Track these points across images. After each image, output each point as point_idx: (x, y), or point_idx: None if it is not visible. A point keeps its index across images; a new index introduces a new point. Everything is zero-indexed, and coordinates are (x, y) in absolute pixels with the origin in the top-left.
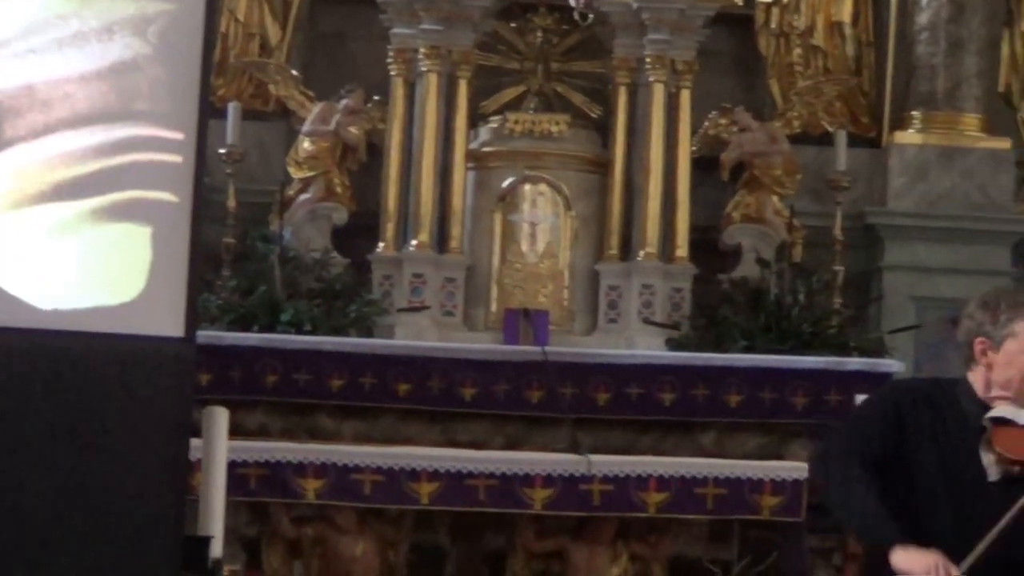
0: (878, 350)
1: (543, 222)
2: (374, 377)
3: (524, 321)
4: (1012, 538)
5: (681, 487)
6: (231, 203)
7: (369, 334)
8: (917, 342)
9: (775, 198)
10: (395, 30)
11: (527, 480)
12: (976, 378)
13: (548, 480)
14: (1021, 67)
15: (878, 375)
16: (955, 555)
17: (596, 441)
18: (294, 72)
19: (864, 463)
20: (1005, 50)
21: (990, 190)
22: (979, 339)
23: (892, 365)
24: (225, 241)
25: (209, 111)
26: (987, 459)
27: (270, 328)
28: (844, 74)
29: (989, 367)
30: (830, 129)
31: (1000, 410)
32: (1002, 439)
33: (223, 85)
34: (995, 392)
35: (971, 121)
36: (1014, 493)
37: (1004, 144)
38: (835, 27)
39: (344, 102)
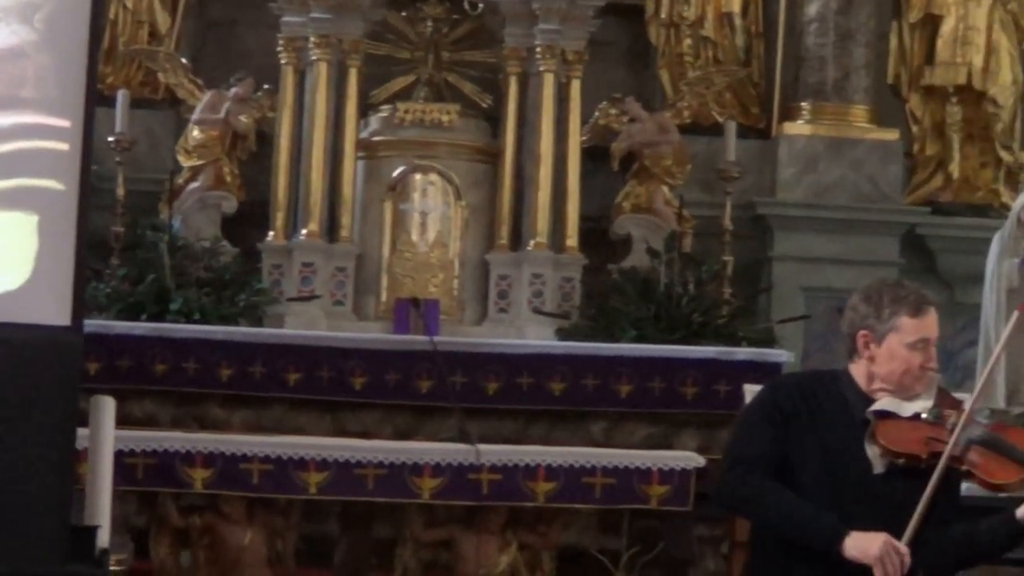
0: (767, 340)
1: (433, 212)
2: (264, 367)
3: (414, 311)
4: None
5: (570, 476)
6: (120, 191)
7: (259, 323)
8: (806, 332)
9: (665, 188)
10: (285, 19)
11: (416, 469)
12: (858, 370)
13: (437, 469)
14: (909, 59)
15: (767, 365)
16: (840, 555)
17: (486, 430)
18: (184, 60)
19: (762, 470)
20: (893, 42)
21: (878, 181)
22: (862, 332)
23: (781, 355)
24: (114, 230)
25: (97, 99)
26: (872, 452)
27: (159, 317)
28: (734, 65)
29: (872, 360)
30: (720, 119)
31: (883, 403)
32: (886, 432)
33: (112, 73)
34: (877, 385)
35: (860, 112)
36: (898, 486)
37: (892, 135)
38: (725, 18)
39: (234, 90)
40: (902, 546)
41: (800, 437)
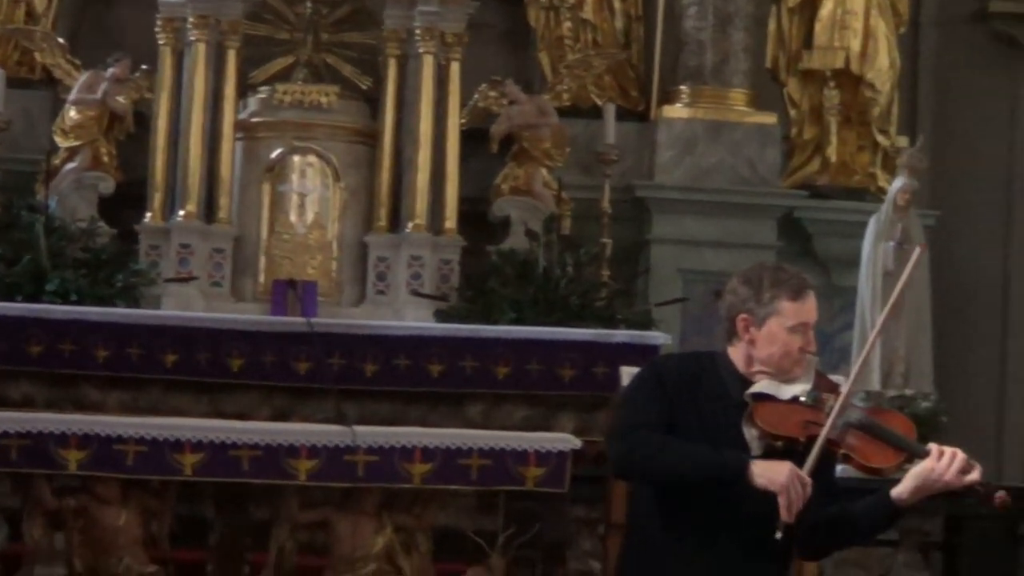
0: (645, 322)
1: (312, 193)
2: (141, 348)
3: (292, 292)
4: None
5: (446, 458)
6: None
7: (136, 305)
8: (684, 315)
9: (544, 171)
10: None
11: (292, 451)
12: (737, 353)
13: (313, 451)
14: (787, 43)
15: (645, 347)
16: (721, 530)
17: (364, 412)
18: (60, 40)
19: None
20: (772, 25)
21: (757, 164)
22: (742, 315)
23: (659, 338)
24: None
25: None
26: (749, 434)
27: (35, 298)
28: (613, 48)
29: (751, 343)
30: (599, 102)
31: (761, 385)
32: (764, 414)
33: None
34: (756, 367)
35: (738, 96)
36: None
37: (771, 119)
38: (604, 1)
39: (111, 71)
40: (806, 476)
41: (679, 416)
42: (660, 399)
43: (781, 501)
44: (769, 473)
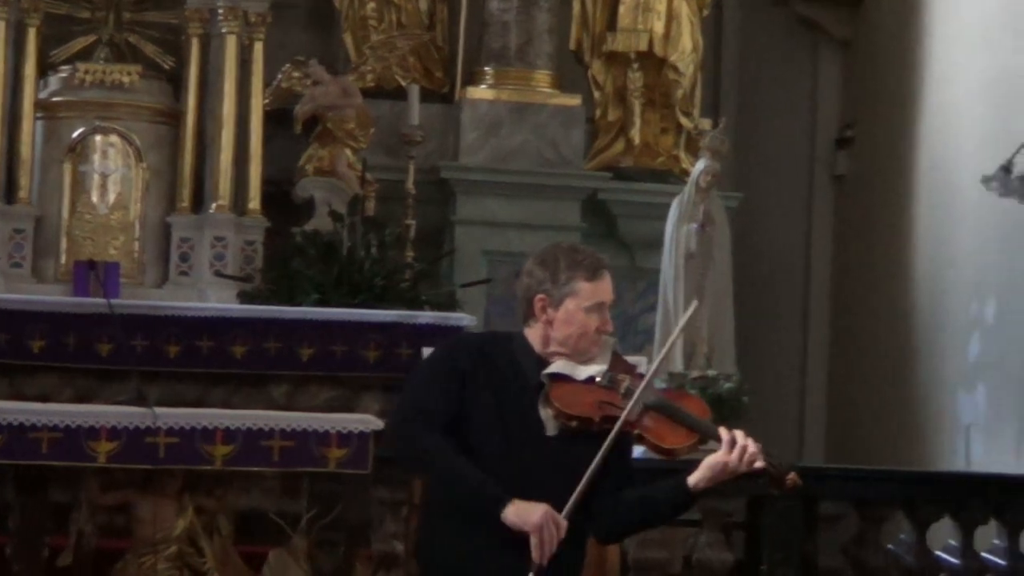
0: (449, 304)
1: (114, 173)
2: None
3: (93, 273)
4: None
5: (247, 440)
6: None
7: None
8: (488, 296)
9: (348, 152)
10: None
11: (92, 433)
12: (534, 334)
13: (113, 433)
14: (592, 25)
15: (449, 328)
16: None
17: (167, 394)
18: None
19: (441, 424)
20: (576, 7)
21: (561, 146)
22: (539, 296)
23: (463, 319)
24: None
25: None
26: (545, 414)
27: None
28: (417, 29)
29: (548, 324)
30: (404, 83)
31: (558, 366)
32: (560, 395)
33: None
34: (553, 348)
35: (542, 78)
36: (571, 448)
37: (575, 101)
38: None
39: None
40: (561, 519)
41: (475, 396)
42: (452, 380)
43: (534, 542)
44: (523, 514)
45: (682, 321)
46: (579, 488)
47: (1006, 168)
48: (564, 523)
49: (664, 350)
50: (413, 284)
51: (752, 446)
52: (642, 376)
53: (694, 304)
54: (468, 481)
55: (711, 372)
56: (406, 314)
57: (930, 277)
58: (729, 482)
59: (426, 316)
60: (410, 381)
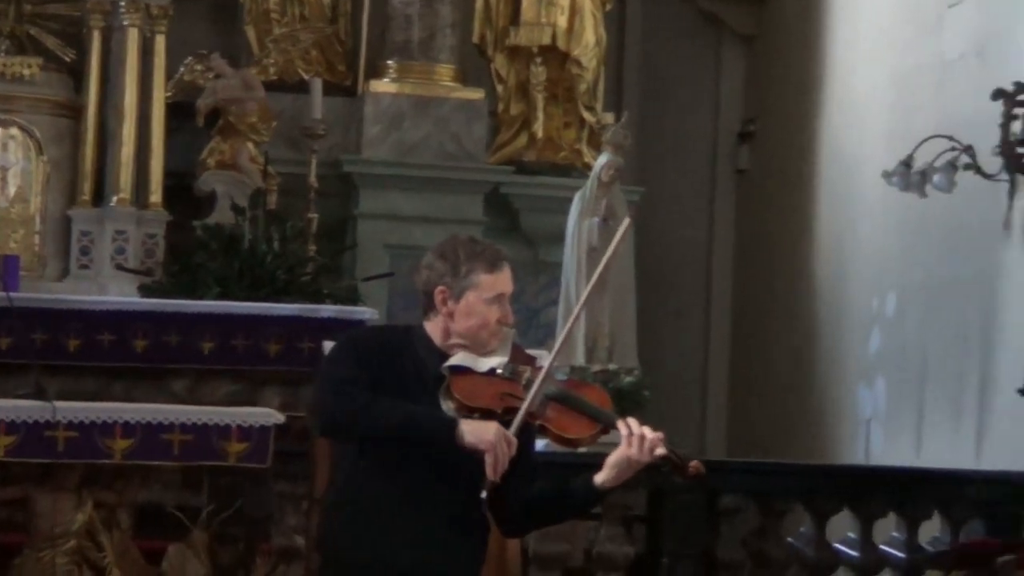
0: (351, 298)
1: (14, 166)
2: None
3: None
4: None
5: (147, 434)
6: None
7: None
8: (390, 290)
9: (250, 145)
10: None
11: None
12: (435, 327)
13: (11, 427)
14: (495, 19)
15: (351, 322)
16: (422, 502)
17: (67, 388)
18: None
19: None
20: (479, 2)
21: (463, 140)
22: (440, 288)
23: (365, 312)
24: None
25: None
26: (446, 407)
27: None
28: (320, 22)
29: (449, 316)
30: (306, 77)
31: (458, 358)
32: (461, 387)
33: None
34: (454, 340)
35: (445, 71)
36: None
37: (478, 95)
38: None
39: None
40: (511, 436)
41: (378, 388)
42: (360, 367)
43: (488, 459)
44: (478, 432)
45: (586, 291)
46: (488, 481)
47: (906, 163)
48: (515, 440)
49: (560, 340)
50: (315, 278)
51: (651, 434)
52: (543, 368)
53: (596, 275)
54: (417, 417)
55: (612, 366)
56: (308, 308)
57: (831, 271)
58: (634, 474)
59: (328, 310)
60: (322, 372)
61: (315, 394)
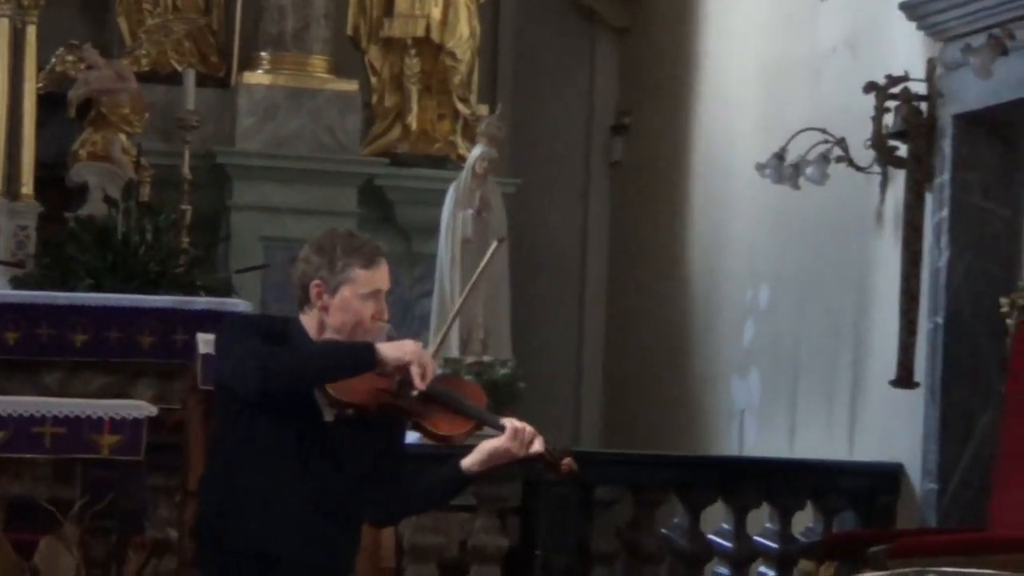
0: (225, 290)
1: None
2: None
3: None
4: None
5: (18, 427)
6: None
7: None
8: (264, 282)
9: (123, 136)
10: None
11: None
12: (310, 321)
13: None
14: (369, 10)
15: (224, 314)
16: (300, 489)
17: None
18: None
19: None
20: None
21: (337, 132)
22: (315, 282)
23: (239, 305)
24: None
25: None
26: (322, 401)
27: None
28: (193, 13)
29: (324, 310)
30: (179, 68)
31: None
32: (336, 383)
33: None
34: (329, 335)
35: (319, 63)
36: (348, 435)
37: (351, 87)
38: None
39: None
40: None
41: None
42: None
43: (415, 370)
44: (397, 348)
45: (456, 305)
46: (360, 474)
47: (779, 156)
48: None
49: (439, 337)
50: (188, 270)
51: (529, 430)
52: None
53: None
54: (336, 347)
55: (487, 358)
56: (181, 300)
57: (705, 263)
58: (504, 466)
59: (201, 302)
60: (227, 347)
61: (232, 364)
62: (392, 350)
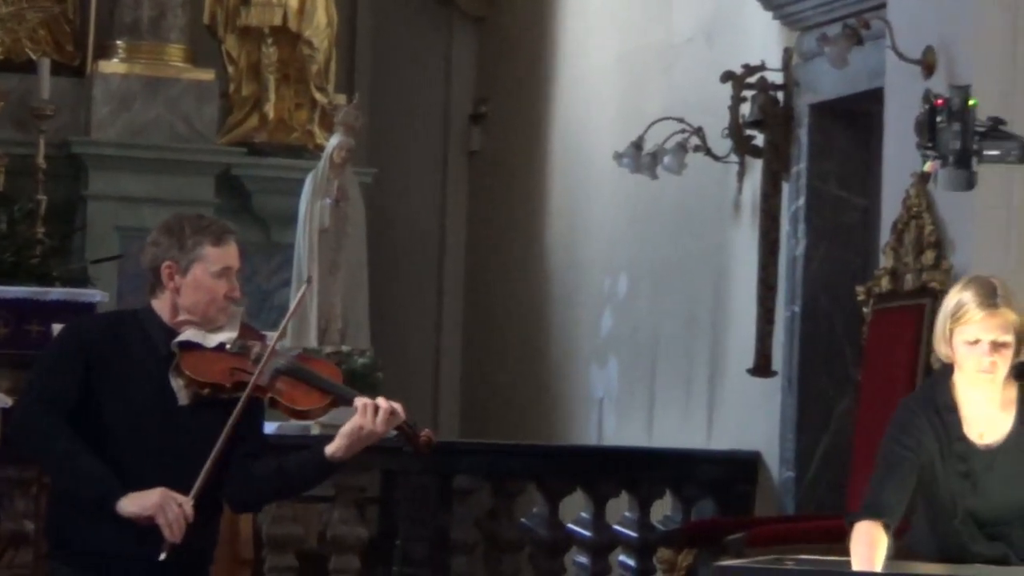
0: (81, 280)
1: None
2: None
3: None
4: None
5: None
6: None
7: None
8: (121, 272)
9: None
10: None
11: None
12: (162, 304)
13: None
14: None
15: (80, 305)
16: (145, 483)
17: None
18: None
19: (64, 410)
20: None
21: (194, 121)
22: (166, 264)
23: (95, 295)
24: None
25: None
26: (177, 384)
27: None
28: (47, 1)
29: (176, 291)
30: (33, 57)
31: (187, 334)
32: (190, 363)
33: None
34: (183, 317)
35: (176, 52)
36: (205, 416)
37: (208, 76)
38: None
39: None
40: (182, 497)
41: (103, 375)
42: (77, 362)
43: (161, 522)
44: (140, 500)
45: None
46: (211, 458)
47: (637, 145)
48: (185, 500)
49: (290, 312)
50: (44, 260)
51: (385, 404)
52: (272, 342)
53: (304, 287)
54: (81, 470)
55: (345, 348)
56: (36, 290)
57: (563, 252)
58: (369, 454)
59: (57, 292)
60: (36, 365)
61: (21, 393)
62: (133, 504)
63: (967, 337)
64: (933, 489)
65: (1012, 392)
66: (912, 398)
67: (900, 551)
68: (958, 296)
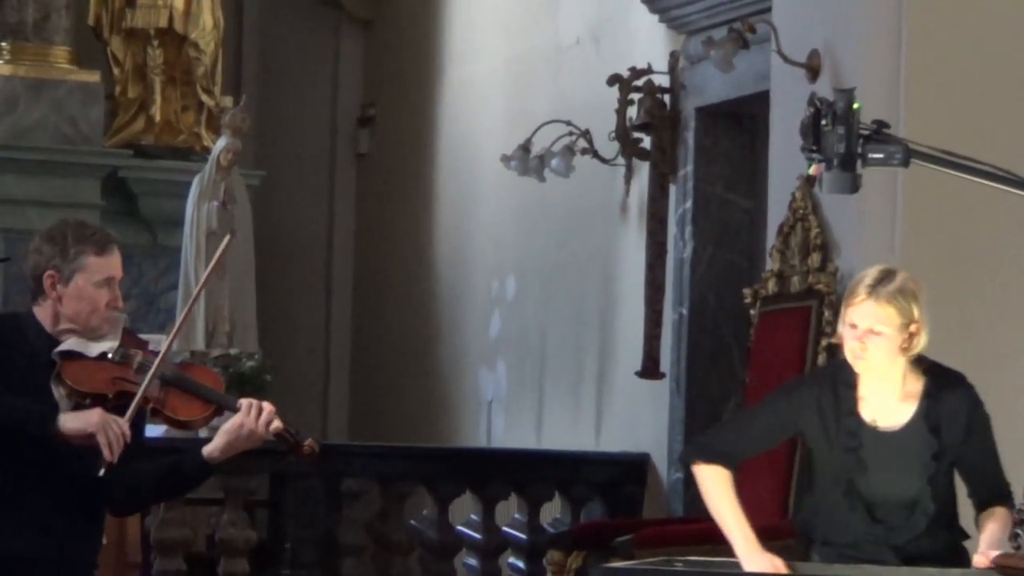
0: None
1: None
2: None
3: None
4: None
5: None
6: None
7: None
8: (6, 275)
9: None
10: None
11: None
12: (44, 312)
13: None
14: (111, 1)
15: None
16: (29, 489)
17: None
18: None
19: None
20: None
21: (80, 123)
22: (48, 272)
23: None
24: None
25: None
26: (58, 393)
27: None
28: None
29: (58, 300)
30: None
31: (69, 343)
32: (72, 372)
33: None
34: (64, 325)
35: (60, 53)
36: None
37: (94, 77)
38: None
39: None
40: (119, 418)
41: None
42: None
43: (101, 440)
44: (81, 419)
45: (203, 276)
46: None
47: (525, 147)
48: (123, 421)
49: (178, 324)
50: None
51: (268, 407)
52: (155, 352)
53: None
54: (13, 406)
55: (233, 351)
56: None
57: (451, 255)
58: (258, 457)
59: None
60: None
61: None
62: (75, 420)
63: (848, 319)
64: (820, 463)
65: (917, 385)
66: (814, 371)
67: (784, 528)
68: (857, 279)
